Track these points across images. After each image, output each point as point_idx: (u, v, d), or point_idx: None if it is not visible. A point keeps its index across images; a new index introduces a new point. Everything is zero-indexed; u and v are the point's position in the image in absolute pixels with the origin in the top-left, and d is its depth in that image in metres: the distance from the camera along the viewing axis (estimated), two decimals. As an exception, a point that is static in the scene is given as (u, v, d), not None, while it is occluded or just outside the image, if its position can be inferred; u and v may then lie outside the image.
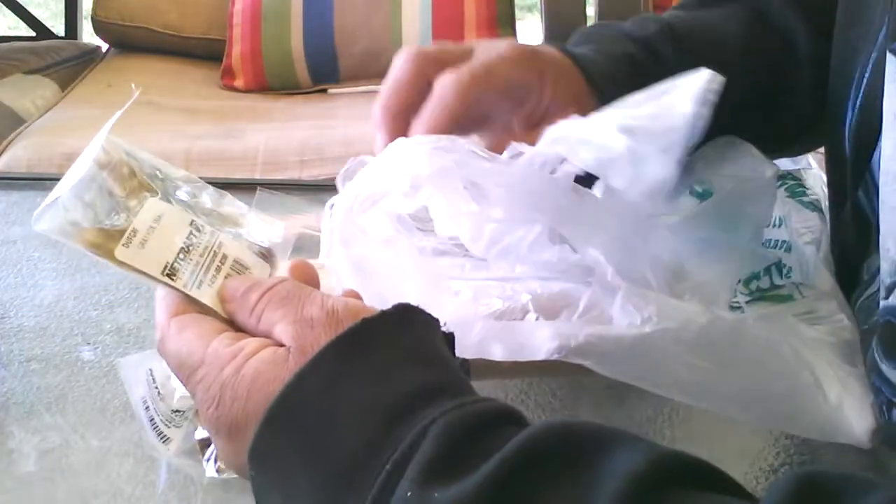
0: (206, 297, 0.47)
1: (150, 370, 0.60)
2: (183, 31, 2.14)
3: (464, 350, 0.47)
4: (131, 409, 0.58)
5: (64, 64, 2.14)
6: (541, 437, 0.35)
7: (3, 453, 0.56)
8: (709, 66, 0.51)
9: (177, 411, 0.56)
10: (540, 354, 0.47)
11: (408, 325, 0.41)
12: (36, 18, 2.45)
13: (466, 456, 0.35)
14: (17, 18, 2.44)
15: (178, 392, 0.57)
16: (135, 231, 0.47)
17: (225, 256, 0.49)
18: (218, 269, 0.48)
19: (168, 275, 0.47)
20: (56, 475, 0.54)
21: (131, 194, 0.48)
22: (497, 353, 0.48)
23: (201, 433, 0.55)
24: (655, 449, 0.35)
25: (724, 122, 0.54)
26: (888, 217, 0.47)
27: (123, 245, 0.46)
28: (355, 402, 0.38)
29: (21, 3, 2.41)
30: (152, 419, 0.56)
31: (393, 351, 0.40)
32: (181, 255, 0.47)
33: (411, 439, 0.36)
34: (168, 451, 0.54)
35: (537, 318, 0.49)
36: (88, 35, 2.38)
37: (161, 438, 0.54)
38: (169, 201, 0.49)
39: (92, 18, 2.17)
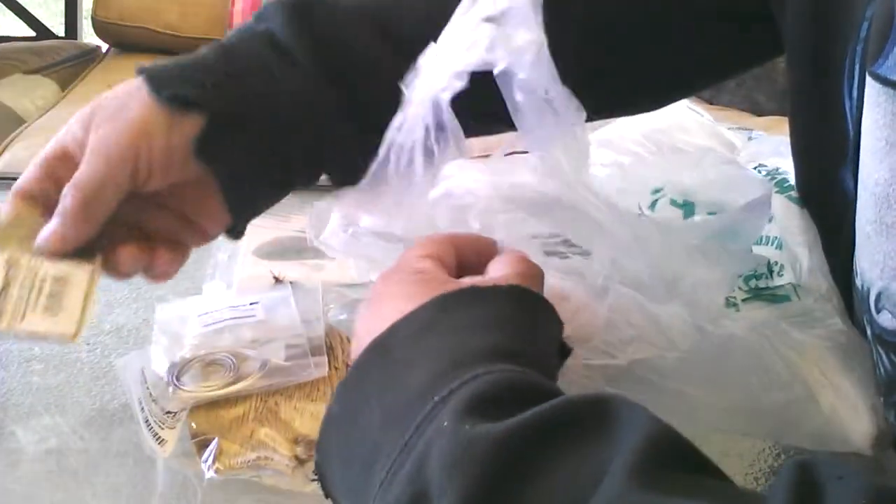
0: (35, 324, 0.49)
1: (142, 370, 0.60)
2: (183, 31, 2.13)
3: None
4: (130, 409, 0.58)
5: (64, 64, 2.14)
6: (578, 404, 0.36)
7: (3, 453, 0.56)
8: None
9: (169, 412, 0.56)
10: None
11: (511, 298, 0.43)
12: (36, 18, 2.45)
13: (507, 404, 0.36)
14: (17, 18, 2.44)
15: (170, 393, 0.57)
16: None
17: (45, 277, 0.50)
18: (40, 291, 0.50)
19: None
20: (55, 475, 0.54)
21: None
22: None
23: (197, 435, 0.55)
24: (657, 425, 0.36)
25: None
26: (876, 240, 0.45)
27: None
28: (433, 349, 0.41)
29: (21, 3, 2.41)
30: (147, 420, 0.56)
31: (481, 315, 0.42)
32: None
33: (462, 380, 0.38)
34: (164, 452, 0.54)
35: None
36: (88, 35, 2.38)
37: (156, 439, 0.54)
38: None
39: (92, 18, 2.17)
